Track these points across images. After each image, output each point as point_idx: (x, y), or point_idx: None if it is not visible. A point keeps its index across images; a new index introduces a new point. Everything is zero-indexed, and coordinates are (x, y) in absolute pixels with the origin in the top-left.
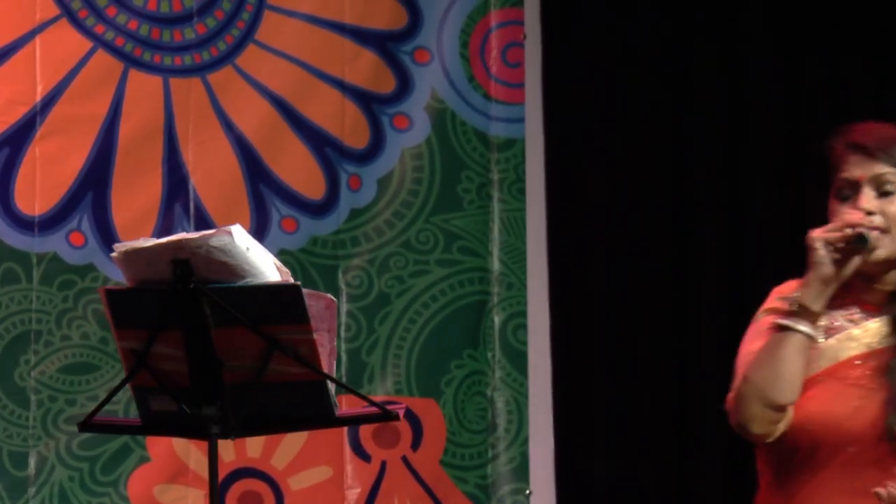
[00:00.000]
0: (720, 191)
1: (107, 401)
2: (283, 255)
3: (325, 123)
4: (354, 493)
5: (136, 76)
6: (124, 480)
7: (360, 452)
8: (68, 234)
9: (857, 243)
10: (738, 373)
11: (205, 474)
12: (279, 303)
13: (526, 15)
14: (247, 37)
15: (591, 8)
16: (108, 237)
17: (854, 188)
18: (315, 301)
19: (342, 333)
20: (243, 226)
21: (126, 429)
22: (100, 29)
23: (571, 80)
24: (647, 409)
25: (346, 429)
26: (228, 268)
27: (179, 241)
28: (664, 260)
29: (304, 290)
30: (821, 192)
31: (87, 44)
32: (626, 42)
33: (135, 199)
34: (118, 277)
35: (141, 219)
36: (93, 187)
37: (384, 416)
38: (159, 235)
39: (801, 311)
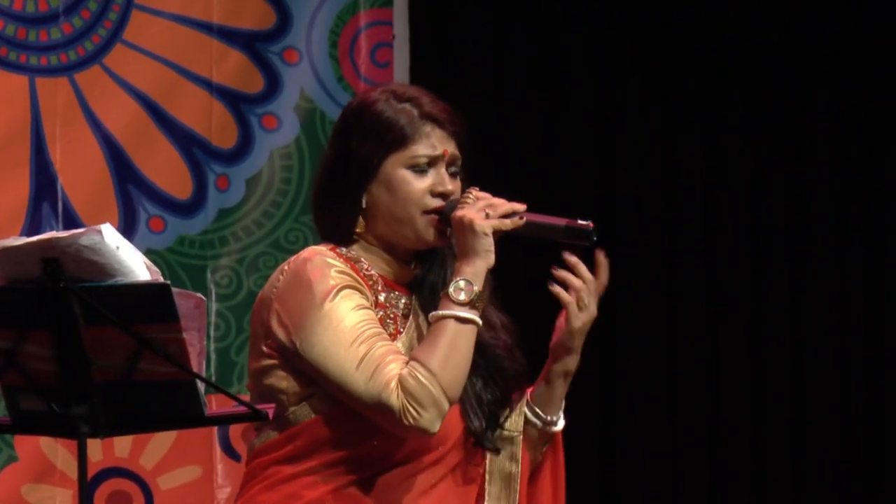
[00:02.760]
0: (592, 190)
1: None
2: (150, 254)
3: (192, 123)
4: (225, 492)
5: (1, 76)
6: None
7: (230, 452)
8: None
9: (586, 237)
10: (374, 357)
11: (72, 474)
12: (149, 302)
13: (395, 15)
14: (114, 36)
15: (459, 9)
16: None
17: (433, 163)
18: (184, 300)
19: (211, 333)
20: (112, 225)
21: None
22: None
23: (440, 80)
24: None
25: (216, 428)
26: (98, 267)
27: (49, 240)
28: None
29: (174, 290)
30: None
31: None
32: (497, 44)
33: (2, 199)
34: None
35: (9, 219)
36: None
37: (254, 415)
38: (27, 235)
39: (479, 303)
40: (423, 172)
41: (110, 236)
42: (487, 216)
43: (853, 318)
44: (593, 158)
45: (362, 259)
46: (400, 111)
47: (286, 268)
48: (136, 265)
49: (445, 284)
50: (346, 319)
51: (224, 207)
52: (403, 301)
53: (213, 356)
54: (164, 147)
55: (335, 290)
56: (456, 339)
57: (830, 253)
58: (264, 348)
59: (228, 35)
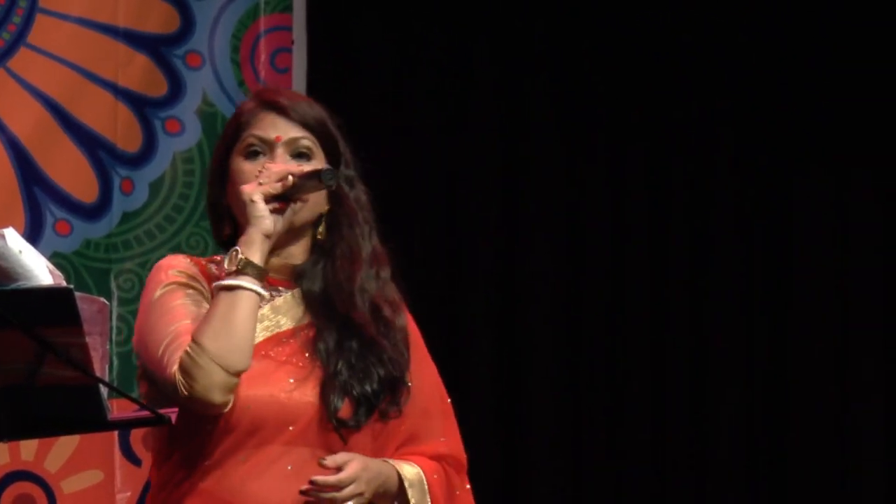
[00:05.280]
0: (496, 211)
1: None
2: (57, 257)
3: (98, 126)
4: (124, 496)
5: None
6: None
7: (131, 456)
8: None
9: (322, 178)
10: (169, 341)
11: None
12: (51, 306)
13: (294, 21)
14: (18, 40)
15: (358, 14)
16: None
17: (266, 147)
18: (87, 305)
19: (114, 337)
20: (17, 228)
21: None
22: None
23: (338, 85)
24: None
25: (116, 433)
26: (1, 271)
27: None
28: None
29: (77, 294)
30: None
31: None
32: (396, 49)
33: None
34: None
35: None
36: None
37: (156, 419)
38: None
39: (249, 269)
40: (255, 158)
41: (13, 240)
42: (261, 184)
43: (756, 314)
44: (498, 160)
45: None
46: (244, 107)
47: None
48: (39, 269)
49: (334, 272)
50: (161, 311)
51: (128, 211)
52: (285, 296)
53: (115, 360)
54: (69, 150)
55: (160, 286)
56: (224, 308)
57: (733, 250)
58: (138, 359)
59: (134, 39)
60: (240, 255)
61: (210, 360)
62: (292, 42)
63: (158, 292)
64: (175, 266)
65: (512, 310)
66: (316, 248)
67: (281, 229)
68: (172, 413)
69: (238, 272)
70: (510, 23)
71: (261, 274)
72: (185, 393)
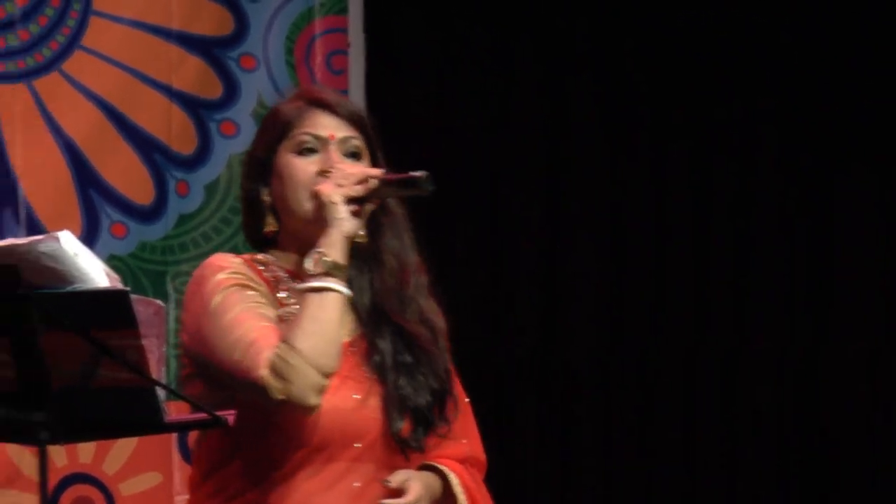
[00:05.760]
0: (539, 211)
1: None
2: (113, 260)
3: (152, 129)
4: (183, 499)
5: None
6: None
7: (189, 458)
8: None
9: (421, 184)
10: (248, 344)
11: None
12: (107, 308)
13: (350, 23)
14: (73, 42)
15: (413, 17)
16: None
17: (319, 145)
18: (143, 307)
19: (171, 339)
20: (74, 231)
21: None
22: None
23: (394, 86)
24: None
25: (175, 435)
26: (57, 273)
27: (7, 247)
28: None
29: (133, 296)
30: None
31: None
32: (451, 50)
33: None
34: None
35: None
36: None
37: (213, 422)
38: None
39: (336, 271)
40: (309, 155)
41: (69, 243)
42: (340, 186)
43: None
44: (543, 161)
45: (271, 261)
46: (290, 105)
47: (190, 277)
48: (94, 272)
49: (382, 280)
50: (228, 314)
51: (184, 213)
52: None
53: (172, 363)
54: (124, 152)
55: (221, 288)
56: (314, 310)
57: (775, 249)
58: (184, 359)
59: (187, 41)
60: (325, 257)
61: (304, 361)
62: (348, 44)
63: (220, 295)
64: (228, 266)
65: (554, 309)
66: (356, 254)
67: (357, 231)
68: (230, 415)
69: (325, 274)
70: (553, 23)
71: (345, 276)
72: (279, 396)
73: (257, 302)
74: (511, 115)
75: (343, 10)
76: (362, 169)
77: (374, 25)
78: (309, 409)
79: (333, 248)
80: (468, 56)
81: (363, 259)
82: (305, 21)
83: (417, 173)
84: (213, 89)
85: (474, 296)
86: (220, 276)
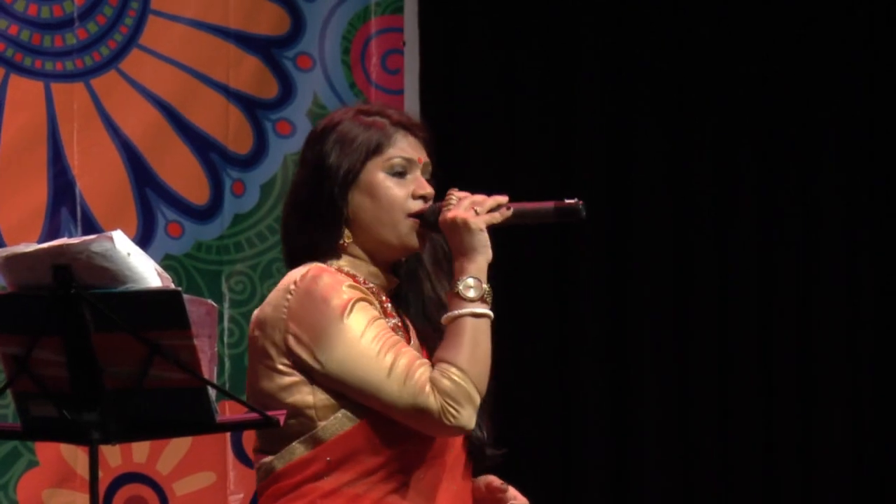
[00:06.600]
0: (602, 196)
1: None
2: (168, 259)
3: (209, 128)
4: (237, 498)
5: (17, 81)
6: (13, 484)
7: (244, 458)
8: None
9: (578, 213)
10: (406, 364)
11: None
12: (160, 308)
13: (405, 22)
14: (130, 42)
15: (469, 15)
16: None
17: (409, 167)
18: (196, 307)
19: (225, 339)
20: (130, 231)
21: (5, 434)
22: None
23: (449, 86)
24: None
25: (228, 434)
26: (109, 273)
27: (60, 247)
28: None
29: (185, 296)
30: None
31: None
32: (506, 50)
33: (20, 204)
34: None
35: (27, 224)
36: None
37: (265, 422)
38: (46, 240)
39: (489, 298)
40: (401, 177)
41: (121, 243)
42: (476, 213)
43: (863, 318)
44: (603, 162)
45: (355, 273)
46: (371, 123)
47: (293, 287)
48: (147, 272)
49: (424, 293)
50: (367, 331)
51: (239, 213)
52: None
53: (226, 362)
54: (181, 152)
55: (350, 303)
56: (476, 335)
57: (841, 254)
58: (281, 367)
59: (244, 40)
60: (483, 284)
61: (474, 386)
62: (403, 43)
63: (351, 311)
64: (343, 280)
65: (623, 316)
66: (397, 270)
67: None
68: (281, 415)
69: (479, 299)
70: (613, 29)
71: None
72: (451, 420)
73: (381, 319)
74: (571, 113)
75: (399, 10)
76: (490, 197)
77: (428, 25)
78: (465, 432)
79: (484, 274)
80: (524, 55)
81: (404, 275)
82: (361, 20)
83: (571, 201)
84: (270, 89)
85: (540, 308)
86: (342, 288)
